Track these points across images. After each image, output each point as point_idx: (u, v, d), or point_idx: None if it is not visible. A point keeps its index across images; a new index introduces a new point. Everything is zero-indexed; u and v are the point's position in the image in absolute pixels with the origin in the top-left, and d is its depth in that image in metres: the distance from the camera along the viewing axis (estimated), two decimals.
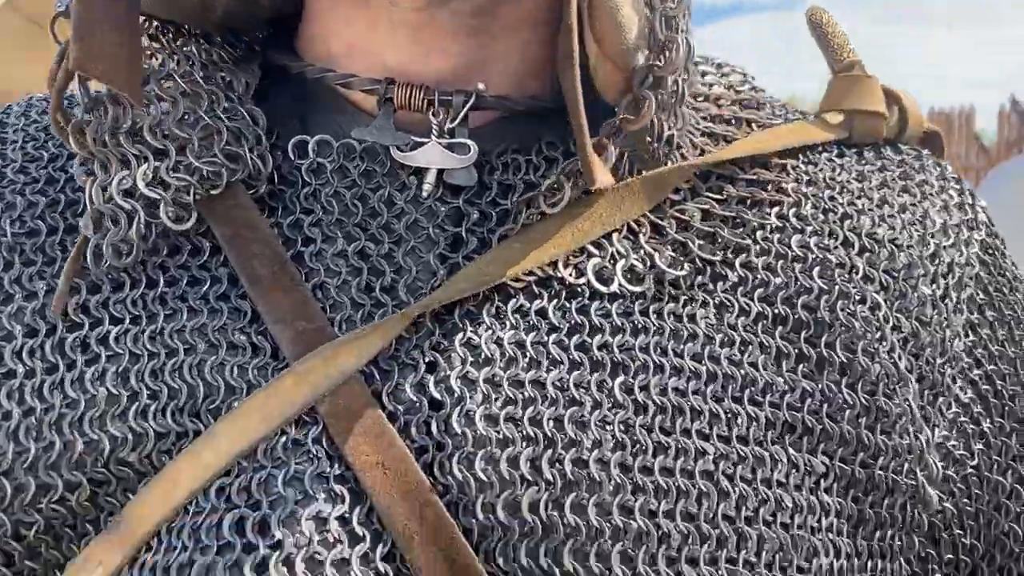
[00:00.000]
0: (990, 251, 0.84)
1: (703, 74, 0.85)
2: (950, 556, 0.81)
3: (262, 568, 0.63)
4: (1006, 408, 0.83)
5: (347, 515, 0.65)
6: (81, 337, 0.70)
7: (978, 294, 0.82)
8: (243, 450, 0.66)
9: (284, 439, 0.66)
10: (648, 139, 0.72)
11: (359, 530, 0.64)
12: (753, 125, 0.81)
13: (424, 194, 0.72)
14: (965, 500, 0.81)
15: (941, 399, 0.78)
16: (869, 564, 0.74)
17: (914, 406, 0.75)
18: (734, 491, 0.68)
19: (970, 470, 0.80)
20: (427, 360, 0.68)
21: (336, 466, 0.65)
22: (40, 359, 0.70)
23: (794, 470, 0.70)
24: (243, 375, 0.68)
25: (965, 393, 0.80)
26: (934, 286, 0.79)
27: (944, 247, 0.81)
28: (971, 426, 0.80)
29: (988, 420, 0.81)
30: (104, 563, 0.66)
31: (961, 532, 0.81)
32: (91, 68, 0.69)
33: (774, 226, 0.76)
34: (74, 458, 0.68)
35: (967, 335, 0.80)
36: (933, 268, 0.79)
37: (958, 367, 0.79)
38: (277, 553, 0.63)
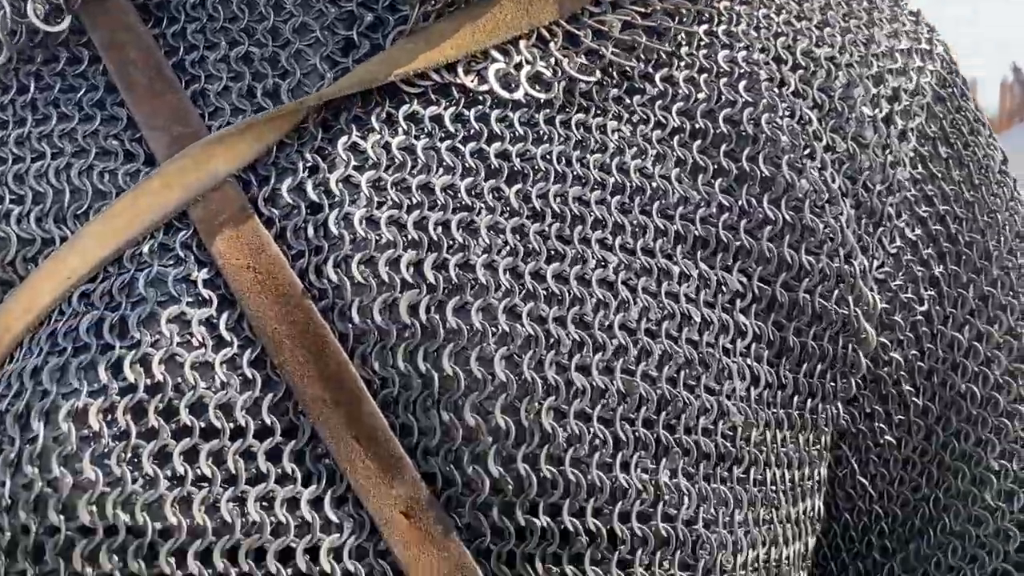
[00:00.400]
0: (948, 87, 0.78)
1: None
2: (901, 417, 0.76)
3: (117, 369, 0.60)
4: (962, 256, 0.77)
5: (214, 319, 0.61)
6: None
7: (930, 126, 0.76)
8: (109, 255, 0.63)
9: (152, 243, 0.63)
10: None
11: (226, 335, 0.61)
12: None
13: None
14: (915, 353, 0.75)
15: (881, 229, 0.72)
16: (796, 400, 0.69)
17: (847, 230, 0.70)
18: (636, 302, 0.64)
19: (919, 317, 0.75)
20: (308, 165, 0.64)
21: (205, 271, 0.62)
22: None
23: (706, 286, 0.66)
24: (113, 180, 0.65)
25: (912, 230, 0.74)
26: (876, 109, 0.73)
27: (890, 70, 0.75)
28: (919, 268, 0.75)
29: (940, 265, 0.76)
30: None
31: (912, 390, 0.76)
32: None
33: (701, 41, 0.71)
34: None
35: (915, 167, 0.75)
36: (875, 90, 0.74)
37: (901, 197, 0.73)
38: (133, 353, 0.60)
